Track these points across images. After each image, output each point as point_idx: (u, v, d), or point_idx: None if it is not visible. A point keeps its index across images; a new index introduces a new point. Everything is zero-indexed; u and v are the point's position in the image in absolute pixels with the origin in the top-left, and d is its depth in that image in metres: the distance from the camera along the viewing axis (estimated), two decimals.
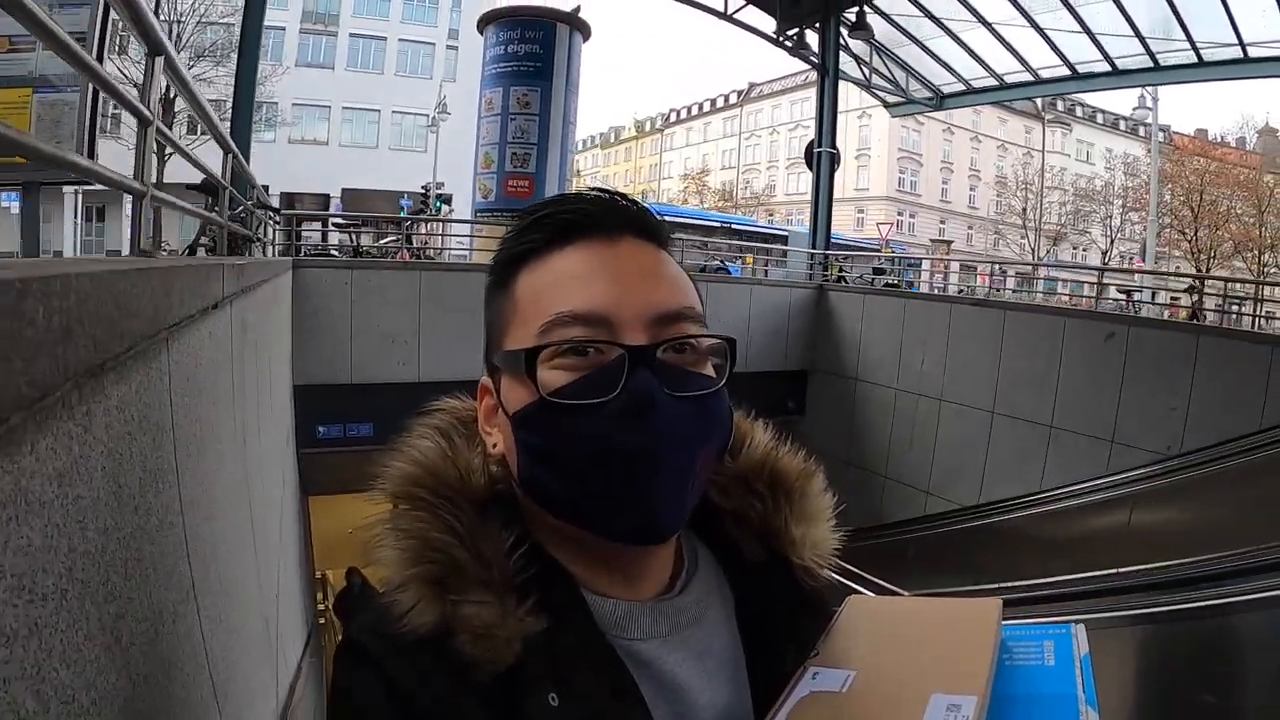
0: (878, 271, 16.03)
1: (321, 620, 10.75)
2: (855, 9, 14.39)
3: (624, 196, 0.86)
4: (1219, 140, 51.81)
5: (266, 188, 32.49)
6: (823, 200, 16.24)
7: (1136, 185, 50.11)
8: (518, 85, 14.01)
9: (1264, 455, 7.77)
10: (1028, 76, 15.27)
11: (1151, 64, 13.50)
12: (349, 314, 9.50)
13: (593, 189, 0.85)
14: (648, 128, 71.76)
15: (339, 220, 12.14)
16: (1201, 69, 13.18)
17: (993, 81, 15.73)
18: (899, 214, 52.98)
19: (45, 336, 0.83)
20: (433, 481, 0.81)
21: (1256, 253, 45.71)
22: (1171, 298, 11.34)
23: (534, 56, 13.96)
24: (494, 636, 0.73)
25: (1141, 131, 50.19)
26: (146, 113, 2.59)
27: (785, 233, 28.88)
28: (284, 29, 35.41)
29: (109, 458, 1.09)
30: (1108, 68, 14.08)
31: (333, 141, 40.98)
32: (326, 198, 40.08)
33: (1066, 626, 0.82)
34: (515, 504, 0.84)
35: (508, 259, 0.85)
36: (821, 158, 15.79)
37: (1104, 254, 50.19)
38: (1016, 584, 6.62)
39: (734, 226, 29.33)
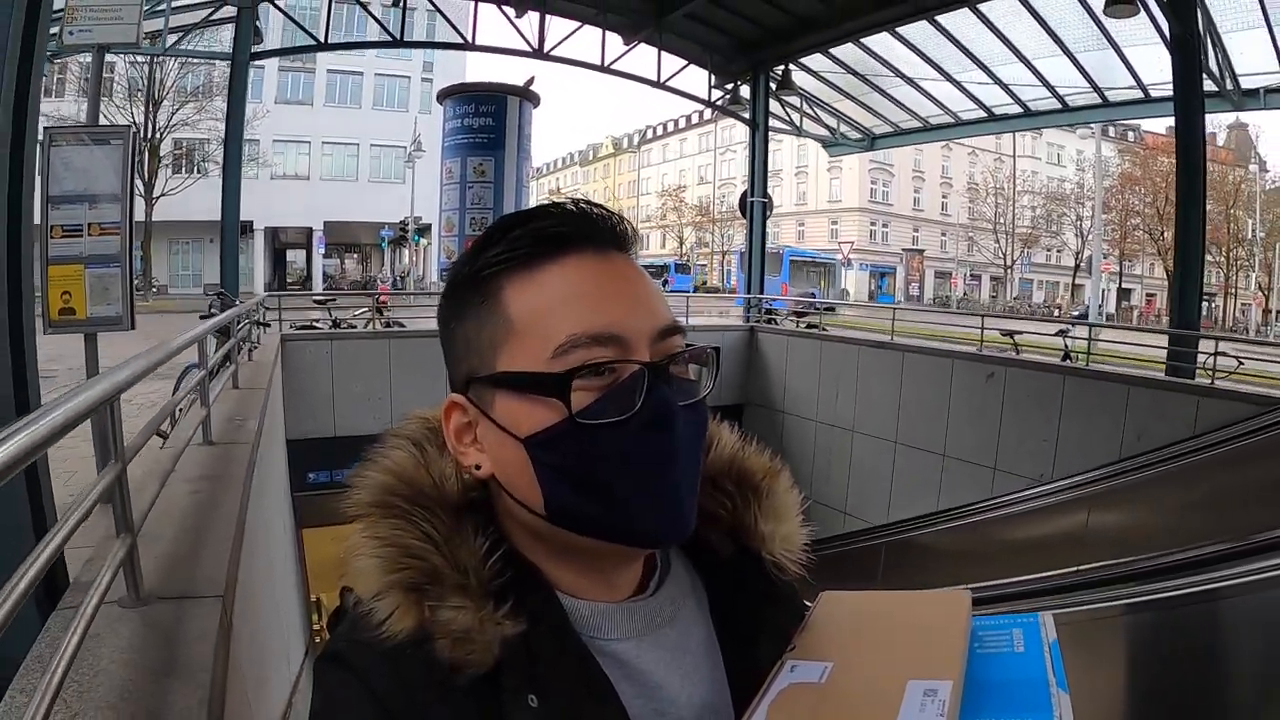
0: (798, 314, 17.27)
1: (316, 639, 12.23)
2: (781, 67, 15.98)
3: (602, 208, 0.86)
4: None
5: (250, 223, 33.75)
6: (755, 246, 17.83)
7: (1107, 187, 51.26)
8: (474, 155, 15.46)
9: (1123, 481, 9.20)
10: (949, 119, 16.98)
11: (1060, 106, 15.23)
12: (331, 378, 11.15)
13: (572, 200, 0.86)
14: (625, 145, 73.76)
15: (319, 298, 13.66)
16: (1106, 109, 15.04)
17: (918, 124, 17.46)
18: (872, 224, 54.20)
19: None
20: (407, 490, 0.81)
21: (1226, 252, 47.05)
22: (1058, 331, 12.68)
23: (488, 129, 15.41)
24: (472, 640, 0.73)
25: (1112, 132, 51.04)
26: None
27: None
28: (263, 68, 36.29)
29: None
30: (1020, 110, 15.83)
31: (314, 175, 42.02)
32: (309, 231, 41.52)
33: (1035, 615, 0.85)
34: (489, 510, 0.84)
35: (491, 272, 0.82)
36: (754, 206, 17.34)
37: (1076, 255, 51.58)
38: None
39: None
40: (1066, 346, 11.81)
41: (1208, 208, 35.90)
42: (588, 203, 0.86)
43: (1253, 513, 7.26)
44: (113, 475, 2.06)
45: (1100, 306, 46.63)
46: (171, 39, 13.09)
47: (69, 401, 1.58)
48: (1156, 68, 12.61)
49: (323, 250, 43.18)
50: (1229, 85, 12.60)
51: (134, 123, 30.52)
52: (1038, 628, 0.83)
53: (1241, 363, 10.55)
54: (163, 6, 12.23)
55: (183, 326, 4.46)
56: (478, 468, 0.83)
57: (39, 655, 1.88)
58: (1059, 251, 54.74)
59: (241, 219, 14.37)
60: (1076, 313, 42.82)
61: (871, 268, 54.13)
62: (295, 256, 45.91)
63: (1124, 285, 55.32)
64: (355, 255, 48.60)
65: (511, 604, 0.76)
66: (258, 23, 13.64)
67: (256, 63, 14.74)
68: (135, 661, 1.91)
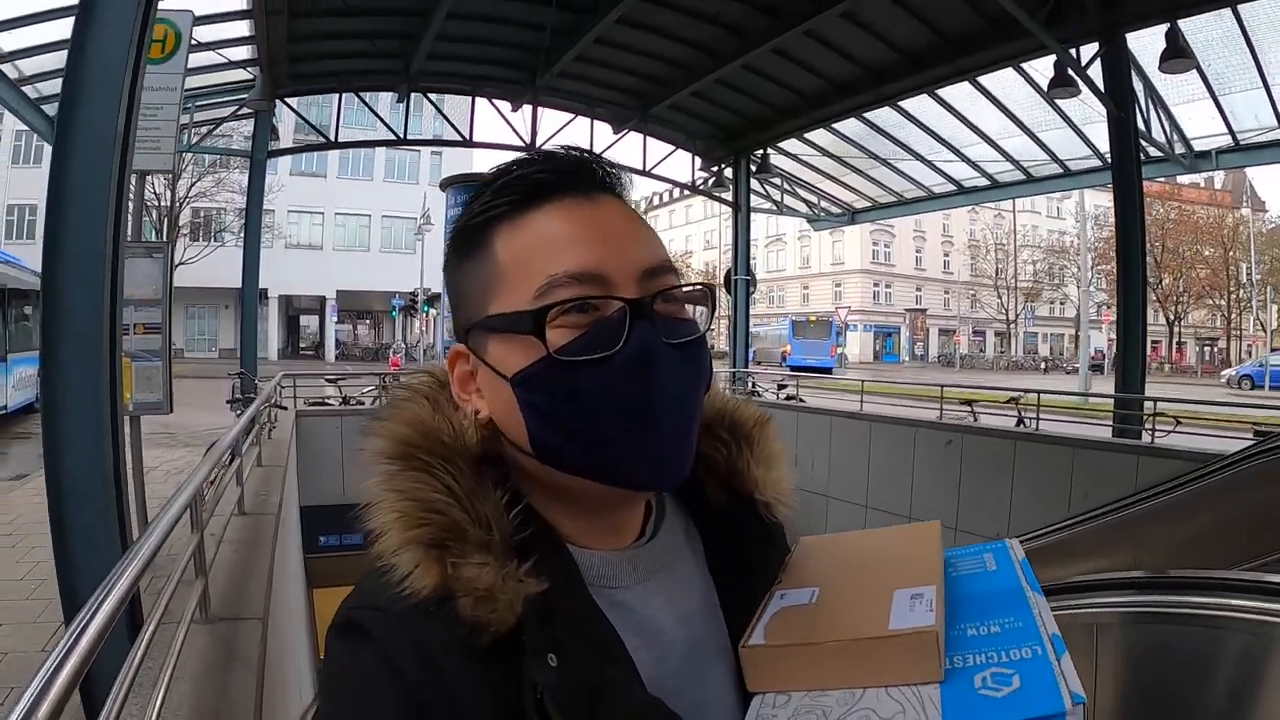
0: (780, 386, 18.39)
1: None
2: (761, 152, 17.40)
3: (591, 153, 0.88)
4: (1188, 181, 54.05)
5: (265, 291, 35.24)
6: (740, 322, 19.08)
7: (1104, 237, 52.20)
8: None
9: (1072, 534, 10.19)
10: (923, 194, 18.40)
11: (1025, 178, 16.56)
12: (340, 449, 12.31)
13: (561, 147, 0.87)
14: None
15: (330, 377, 14.99)
16: (1068, 178, 16.41)
17: (894, 199, 18.86)
18: (875, 285, 55.62)
19: None
20: (427, 442, 0.81)
21: (1226, 294, 48.05)
22: (1009, 398, 13.68)
23: None
24: (495, 599, 0.73)
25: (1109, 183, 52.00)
26: None
27: None
28: (278, 141, 38.11)
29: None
30: (988, 183, 17.19)
31: (327, 245, 43.78)
32: (322, 299, 43.20)
33: (1003, 541, 0.91)
34: (504, 464, 0.83)
35: (482, 221, 0.84)
36: (738, 283, 18.58)
37: (1078, 307, 52.57)
38: None
39: None
40: (1020, 413, 12.79)
41: (1207, 253, 37.28)
42: (575, 149, 0.87)
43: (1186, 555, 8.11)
44: (196, 540, 3.26)
45: (1104, 355, 47.76)
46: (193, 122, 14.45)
47: (172, 508, 2.78)
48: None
49: (335, 318, 44.71)
50: (1180, 150, 13.86)
51: (155, 193, 32.04)
52: (1006, 549, 0.88)
53: (1179, 422, 11.39)
54: (188, 106, 13.66)
55: (201, 393, 5.66)
56: (478, 412, 0.84)
57: (151, 645, 3.04)
58: (1061, 304, 55.89)
59: (258, 264, 15.33)
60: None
61: (875, 328, 55.63)
62: (309, 321, 47.74)
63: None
64: (368, 321, 50.07)
65: (534, 561, 0.76)
66: (274, 120, 15.20)
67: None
68: (208, 656, 3.10)
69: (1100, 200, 48.54)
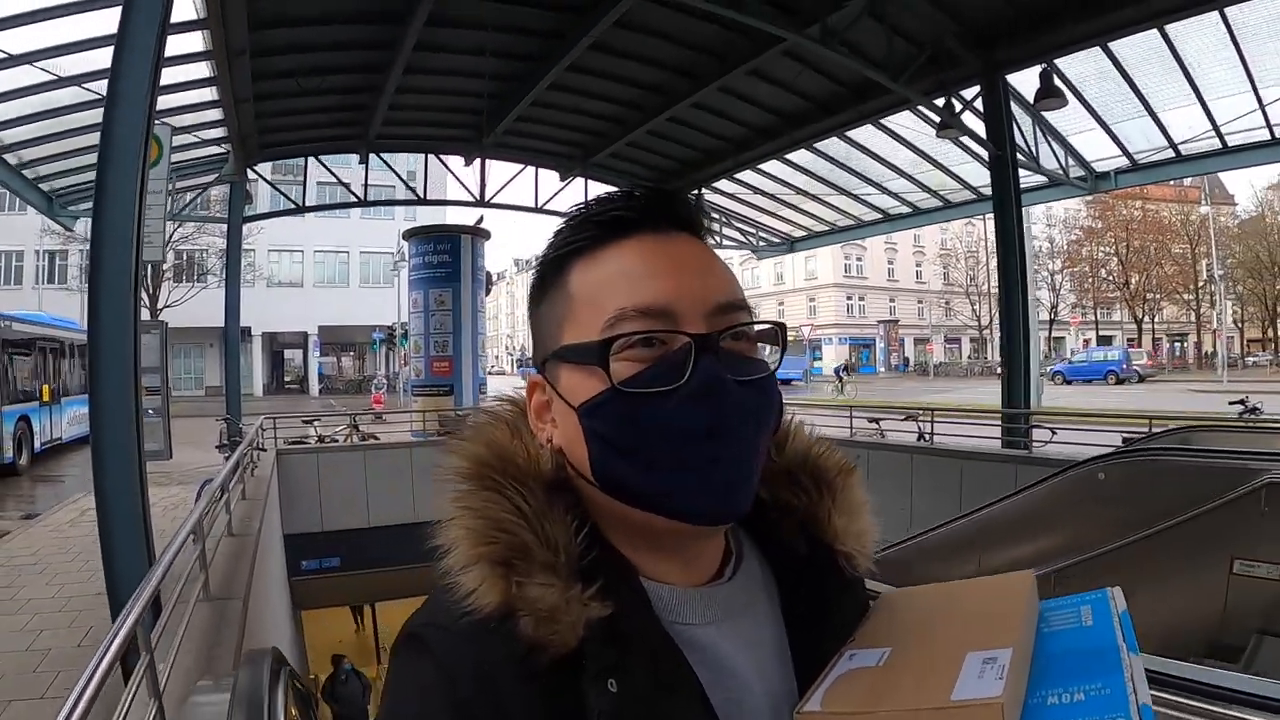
0: None
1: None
2: (695, 191, 19.19)
3: (670, 192, 0.90)
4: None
5: (249, 329, 36.70)
6: None
7: (1073, 239, 53.66)
8: (434, 288, 18.46)
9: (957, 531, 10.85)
10: (852, 222, 20.44)
11: (943, 204, 18.44)
12: (317, 483, 14.03)
13: (640, 186, 0.89)
14: None
15: (306, 419, 16.82)
16: (981, 203, 17.80)
17: (827, 228, 20.85)
18: (848, 298, 57.83)
19: None
20: (501, 464, 0.84)
21: (1195, 291, 49.79)
22: (907, 416, 15.13)
23: (445, 264, 18.45)
24: (557, 620, 0.75)
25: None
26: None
27: None
28: (255, 182, 39.75)
29: None
30: (910, 211, 19.19)
31: (307, 282, 45.56)
32: (305, 335, 44.91)
33: (1104, 590, 0.86)
34: (576, 491, 0.86)
35: (558, 256, 0.88)
36: None
37: (1051, 310, 54.29)
38: None
39: None
40: (919, 429, 14.25)
41: (1176, 250, 38.69)
42: (654, 188, 0.90)
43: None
44: (199, 548, 5.09)
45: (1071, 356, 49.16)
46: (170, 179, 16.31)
47: (185, 528, 4.60)
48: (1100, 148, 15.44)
49: (318, 352, 46.35)
50: (1079, 174, 15.72)
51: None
52: (1106, 601, 0.84)
53: (1054, 433, 12.81)
54: (170, 175, 15.47)
55: (190, 433, 7.47)
56: (550, 440, 0.87)
57: (171, 615, 4.81)
58: (1036, 306, 57.40)
59: (240, 325, 17.54)
60: (1054, 368, 44.84)
61: (851, 340, 57.55)
62: (293, 355, 49.17)
63: (1104, 333, 57.86)
64: (351, 353, 51.29)
65: (599, 586, 0.77)
66: (248, 186, 17.10)
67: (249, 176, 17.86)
68: (209, 615, 4.90)
69: (1071, 204, 50.24)
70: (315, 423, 16.51)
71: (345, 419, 16.95)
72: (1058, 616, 0.86)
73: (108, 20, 9.53)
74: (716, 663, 0.84)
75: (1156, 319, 56.54)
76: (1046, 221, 55.08)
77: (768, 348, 0.91)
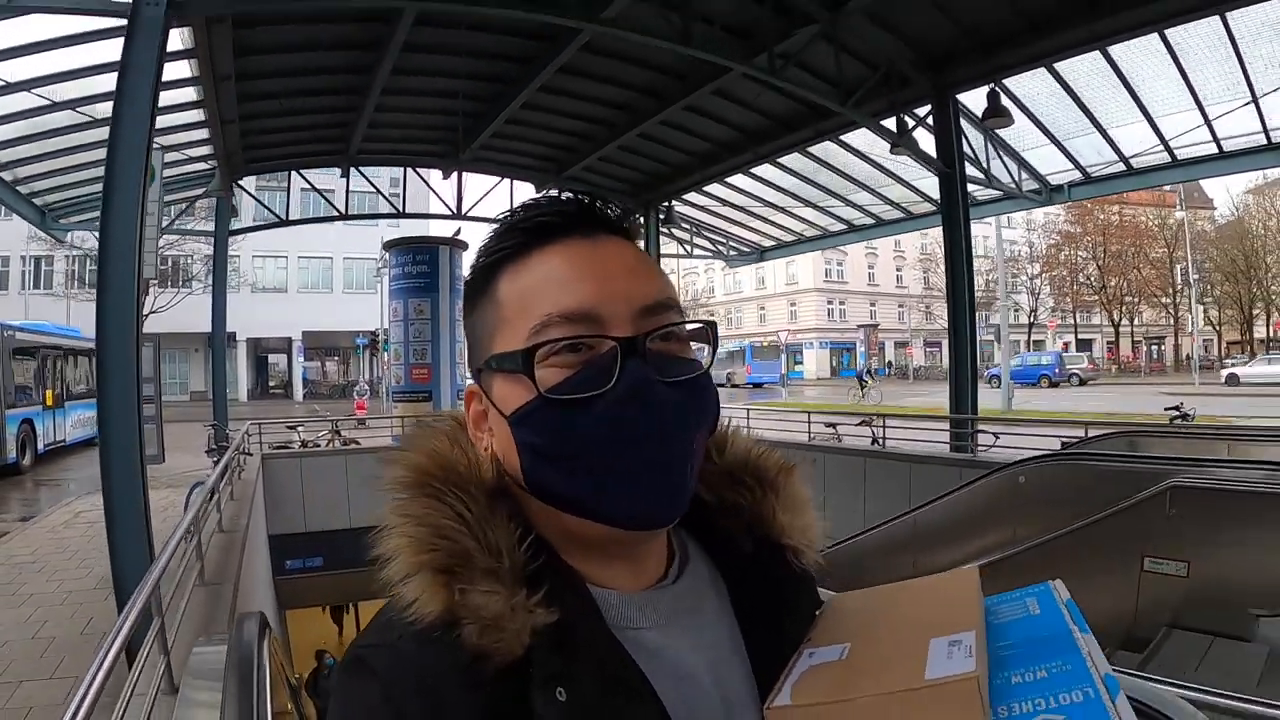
0: None
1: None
2: (666, 204, 20.17)
3: (594, 197, 0.91)
4: None
5: (234, 334, 37.10)
6: None
7: (1051, 243, 54.30)
8: (414, 298, 19.15)
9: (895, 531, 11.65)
10: (819, 232, 21.37)
11: (905, 216, 19.28)
12: (300, 486, 14.81)
13: (564, 192, 0.90)
14: None
15: (290, 424, 17.59)
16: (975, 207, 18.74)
17: (795, 238, 21.71)
18: (829, 303, 58.87)
19: None
20: (442, 471, 0.84)
21: (1173, 294, 50.53)
22: (861, 421, 15.79)
23: (424, 275, 19.14)
24: (502, 627, 0.75)
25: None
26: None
27: None
28: (238, 219, 40.06)
29: None
30: (873, 222, 20.16)
31: (292, 288, 46.19)
32: (289, 340, 45.51)
33: (1045, 583, 0.89)
34: (517, 498, 0.86)
35: (487, 264, 0.89)
36: None
37: (1031, 313, 55.10)
38: None
39: None
40: (873, 434, 15.01)
41: (1154, 255, 39.23)
42: (579, 193, 0.91)
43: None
44: (195, 539, 5.89)
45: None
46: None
47: (184, 522, 5.40)
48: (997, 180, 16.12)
49: (302, 357, 46.99)
50: (1033, 187, 16.51)
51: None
52: (1050, 591, 0.88)
53: (997, 438, 13.60)
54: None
55: (177, 437, 8.27)
56: (487, 449, 0.88)
57: (174, 592, 5.57)
58: (1016, 311, 58.18)
59: (226, 330, 18.41)
60: (990, 372, 45.86)
61: (832, 345, 58.71)
62: (278, 360, 49.75)
63: (1083, 337, 58.88)
64: (336, 358, 51.84)
65: (544, 592, 0.77)
66: (234, 200, 17.86)
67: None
68: (205, 595, 5.70)
69: (1050, 209, 50.73)
70: (299, 428, 17.25)
71: (328, 424, 17.68)
72: (1004, 609, 0.87)
73: (100, 50, 10.34)
74: (668, 665, 0.84)
75: (1135, 322, 57.42)
76: (1027, 226, 55.82)
77: (701, 346, 0.91)
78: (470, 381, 0.94)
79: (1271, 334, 53.69)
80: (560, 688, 0.75)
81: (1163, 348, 59.31)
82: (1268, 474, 7.47)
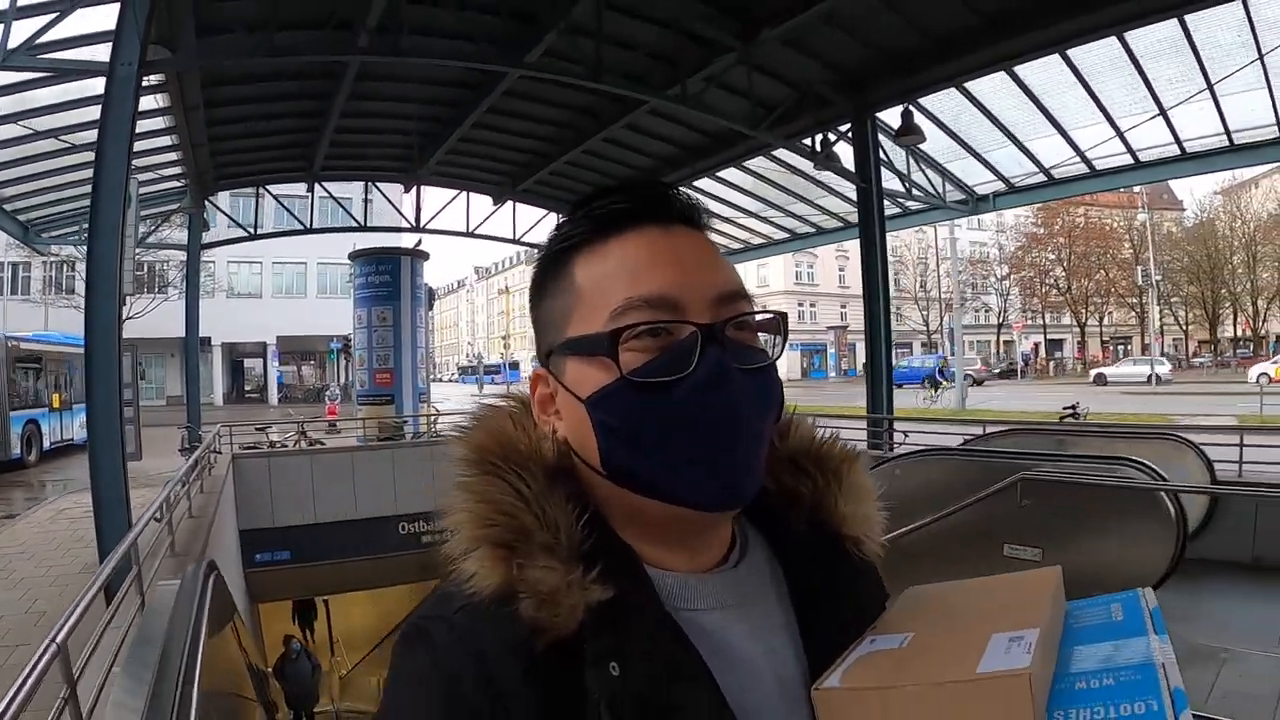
0: None
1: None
2: None
3: (671, 186, 0.93)
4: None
5: (209, 339, 37.82)
6: None
7: (1019, 244, 55.36)
8: (377, 306, 20.43)
9: None
10: (764, 241, 22.83)
11: (843, 225, 20.27)
12: (269, 484, 15.97)
13: (641, 180, 1.35)
14: None
15: (259, 426, 18.85)
16: (893, 217, 19.88)
17: (741, 246, 23.08)
18: (800, 304, 59.84)
19: None
20: (502, 450, 0.88)
21: (1139, 294, 51.90)
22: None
23: (386, 284, 20.38)
24: (558, 602, 0.78)
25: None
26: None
27: None
28: (210, 233, 40.30)
29: None
30: (814, 231, 21.42)
31: (266, 293, 47.11)
32: (264, 345, 46.57)
33: (1134, 590, 0.88)
34: (579, 479, 0.89)
35: (562, 249, 0.92)
36: None
37: (1000, 315, 56.32)
38: None
39: None
40: None
41: (1122, 256, 40.54)
42: (655, 182, 0.94)
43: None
44: (166, 519, 7.28)
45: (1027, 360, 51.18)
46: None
47: (150, 508, 6.78)
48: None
49: (277, 361, 47.90)
50: (961, 196, 17.77)
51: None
52: (1136, 599, 0.87)
53: (906, 435, 14.81)
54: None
55: (152, 441, 9.85)
56: (555, 431, 0.91)
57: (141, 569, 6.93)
58: (986, 312, 59.89)
59: (200, 335, 19.93)
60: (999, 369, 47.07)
61: (802, 346, 59.79)
62: (253, 364, 50.44)
63: (1053, 337, 60.49)
64: (311, 362, 52.54)
65: (600, 569, 0.80)
66: (206, 215, 19.26)
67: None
68: (174, 563, 7.09)
69: (1020, 210, 51.83)
70: (268, 430, 18.54)
71: (295, 426, 18.97)
72: (1087, 613, 0.88)
73: (77, 87, 11.66)
74: (724, 647, 0.86)
75: (1105, 322, 58.78)
76: (996, 228, 57.04)
77: (769, 337, 0.95)
78: (536, 365, 0.96)
79: (1240, 333, 55.23)
80: (614, 663, 0.78)
81: (1129, 347, 60.25)
82: (1108, 468, 8.21)
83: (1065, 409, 16.07)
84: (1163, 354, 48.42)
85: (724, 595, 0.91)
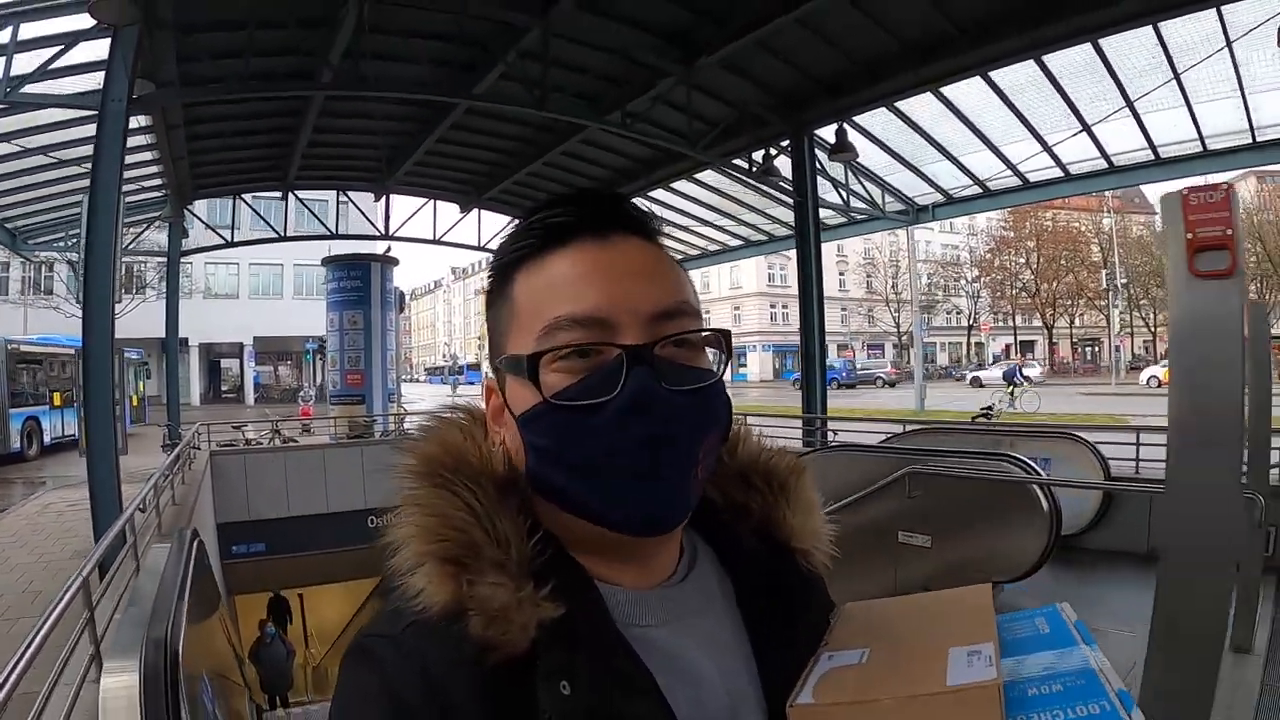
0: None
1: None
2: None
3: (615, 195, 0.93)
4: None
5: (186, 340, 38.37)
6: None
7: (989, 250, 56.34)
8: (348, 310, 21.55)
9: None
10: (719, 248, 24.05)
11: (846, 221, 20.99)
12: (245, 479, 17.03)
13: (587, 191, 0.91)
14: None
15: (235, 425, 19.91)
16: (828, 231, 21.03)
17: (698, 252, 24.32)
18: (772, 307, 61.02)
19: None
20: (453, 462, 0.87)
21: (1108, 297, 52.50)
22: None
23: (357, 289, 21.50)
24: (508, 619, 0.77)
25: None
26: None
27: None
28: (189, 240, 40.17)
29: None
30: (766, 239, 22.65)
31: (243, 294, 47.75)
32: (241, 345, 47.25)
33: (1052, 605, 0.91)
34: (528, 494, 0.89)
35: (505, 264, 0.92)
36: None
37: (970, 317, 57.38)
38: None
39: None
40: None
41: (1093, 259, 41.94)
42: (596, 192, 0.92)
43: None
44: (154, 498, 8.54)
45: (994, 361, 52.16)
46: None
47: (143, 491, 8.00)
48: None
49: (254, 361, 48.51)
50: (902, 207, 18.95)
51: (80, 258, 35.35)
52: (1057, 612, 0.90)
53: (836, 434, 15.97)
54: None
55: (132, 440, 10.95)
56: (501, 443, 0.91)
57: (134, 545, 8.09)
58: (958, 314, 61.07)
59: (179, 336, 20.90)
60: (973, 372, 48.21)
61: (774, 348, 60.90)
62: (230, 365, 50.92)
63: (1024, 338, 61.56)
64: (289, 362, 53.05)
65: (551, 587, 0.80)
66: (185, 224, 20.55)
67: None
68: (164, 535, 8.27)
69: (992, 215, 52.75)
70: (244, 428, 19.68)
71: (269, 424, 20.16)
72: (1015, 626, 0.89)
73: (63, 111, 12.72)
74: (675, 664, 0.87)
75: (1075, 324, 59.99)
76: (969, 231, 58.05)
77: (714, 353, 0.92)
78: (491, 376, 0.96)
79: None
80: (565, 681, 0.78)
81: (1097, 349, 61.71)
82: (990, 464, 8.89)
83: (983, 408, 16.96)
84: (1124, 353, 48.99)
85: (674, 610, 0.92)
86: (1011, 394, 33.35)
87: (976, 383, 42.53)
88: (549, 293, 0.87)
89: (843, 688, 0.83)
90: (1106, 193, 51.07)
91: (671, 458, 0.84)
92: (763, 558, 1.01)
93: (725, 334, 0.93)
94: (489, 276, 0.96)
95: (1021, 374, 37.71)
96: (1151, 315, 57.13)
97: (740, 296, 61.97)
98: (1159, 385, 34.04)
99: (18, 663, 3.30)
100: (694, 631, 0.91)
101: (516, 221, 0.98)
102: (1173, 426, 3.37)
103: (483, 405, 0.97)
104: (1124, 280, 50.14)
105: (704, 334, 0.91)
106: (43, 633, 3.73)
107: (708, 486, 0.96)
